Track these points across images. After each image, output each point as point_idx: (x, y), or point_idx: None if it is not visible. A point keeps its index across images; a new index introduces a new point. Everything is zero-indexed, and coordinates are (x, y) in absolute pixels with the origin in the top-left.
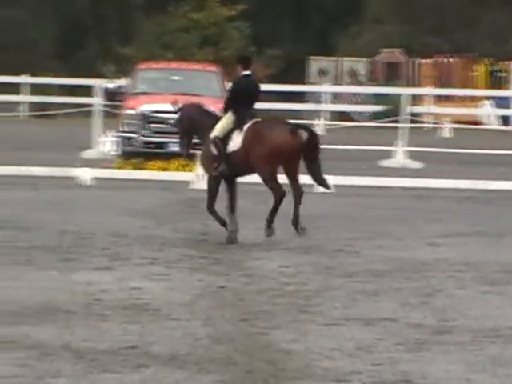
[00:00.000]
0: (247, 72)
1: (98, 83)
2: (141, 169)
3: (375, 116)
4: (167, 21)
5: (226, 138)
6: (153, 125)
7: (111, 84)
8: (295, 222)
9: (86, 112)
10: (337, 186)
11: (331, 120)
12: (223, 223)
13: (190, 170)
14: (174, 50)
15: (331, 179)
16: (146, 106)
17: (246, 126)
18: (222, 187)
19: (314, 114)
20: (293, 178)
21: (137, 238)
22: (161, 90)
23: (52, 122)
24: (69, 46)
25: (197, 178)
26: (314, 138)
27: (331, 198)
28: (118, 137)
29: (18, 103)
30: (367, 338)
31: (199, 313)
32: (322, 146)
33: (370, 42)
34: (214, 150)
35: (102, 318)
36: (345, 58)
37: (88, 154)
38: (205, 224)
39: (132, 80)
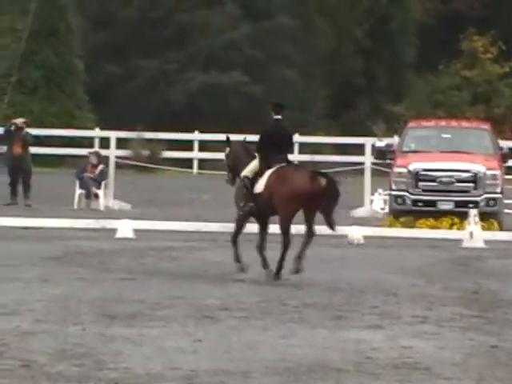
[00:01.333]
0: (278, 116)
1: (368, 141)
2: (411, 227)
3: None
4: (438, 79)
5: (254, 179)
6: (423, 183)
7: (381, 142)
8: (297, 260)
9: (357, 170)
10: None
11: None
12: (237, 258)
13: (462, 228)
14: (445, 107)
15: None
16: (416, 164)
17: (269, 170)
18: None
19: None
20: (309, 222)
21: (407, 296)
22: (431, 148)
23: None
24: (340, 105)
25: (469, 236)
26: (332, 184)
27: None
28: (388, 195)
29: None
30: None
31: (471, 372)
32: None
33: None
34: (243, 189)
35: (373, 377)
36: None
37: (359, 212)
38: (477, 283)
39: (402, 138)
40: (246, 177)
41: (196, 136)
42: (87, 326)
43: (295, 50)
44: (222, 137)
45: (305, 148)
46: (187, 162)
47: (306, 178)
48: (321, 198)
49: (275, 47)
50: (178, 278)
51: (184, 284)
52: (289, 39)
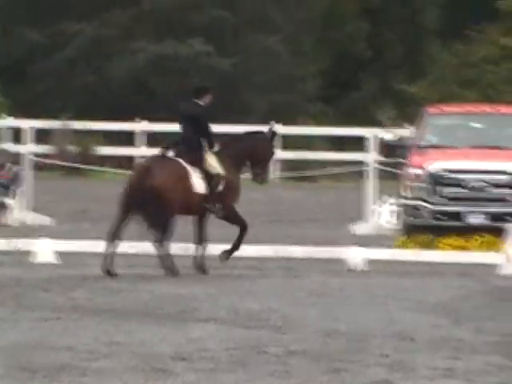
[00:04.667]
0: (196, 100)
1: (372, 133)
2: (430, 248)
3: None
4: (469, 49)
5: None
6: (446, 189)
7: (389, 135)
8: None
9: (356, 172)
10: None
11: None
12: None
13: (497, 250)
14: (477, 87)
15: None
16: (437, 164)
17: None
18: None
19: None
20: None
21: (426, 340)
22: (457, 143)
23: (312, 186)
24: (336, 84)
25: (507, 260)
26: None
27: None
28: (399, 205)
29: None
30: None
31: None
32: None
33: None
34: None
35: None
36: None
37: (360, 228)
38: None
39: (418, 129)
40: None
41: (143, 126)
42: None
43: (278, 11)
44: (177, 127)
45: (290, 141)
46: (130, 162)
47: (139, 171)
48: (133, 196)
49: (250, 7)
50: (120, 318)
51: (127, 325)
52: None
